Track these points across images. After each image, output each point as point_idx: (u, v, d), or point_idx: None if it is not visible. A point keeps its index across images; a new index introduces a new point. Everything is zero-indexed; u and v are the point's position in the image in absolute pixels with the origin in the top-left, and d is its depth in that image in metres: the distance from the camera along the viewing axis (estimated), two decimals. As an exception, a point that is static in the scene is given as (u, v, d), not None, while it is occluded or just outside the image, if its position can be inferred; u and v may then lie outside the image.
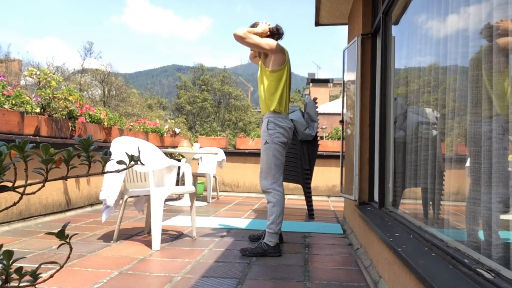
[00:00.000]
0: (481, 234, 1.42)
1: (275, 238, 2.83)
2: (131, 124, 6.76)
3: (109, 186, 3.03)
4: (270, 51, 2.90)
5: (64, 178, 0.77)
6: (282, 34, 3.10)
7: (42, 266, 0.83)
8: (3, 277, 0.73)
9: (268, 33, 3.04)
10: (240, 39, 2.88)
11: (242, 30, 2.88)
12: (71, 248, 0.81)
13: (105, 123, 5.33)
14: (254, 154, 7.18)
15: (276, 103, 2.90)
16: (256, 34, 2.95)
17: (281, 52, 2.94)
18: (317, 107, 4.62)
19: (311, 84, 27.51)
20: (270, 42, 2.91)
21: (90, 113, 5.01)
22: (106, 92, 25.73)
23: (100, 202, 4.62)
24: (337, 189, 6.79)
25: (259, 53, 3.04)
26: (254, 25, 3.08)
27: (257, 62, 3.27)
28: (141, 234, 3.39)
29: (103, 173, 0.82)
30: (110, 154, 0.79)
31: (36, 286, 0.76)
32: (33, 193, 0.78)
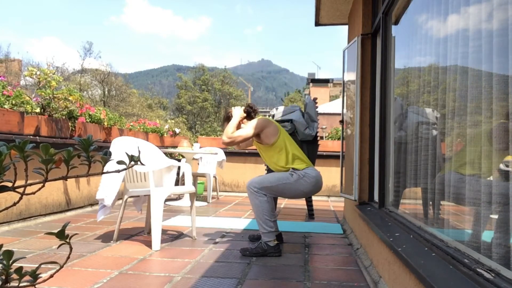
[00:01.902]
0: (481, 234, 1.42)
1: (272, 237, 2.82)
2: (131, 124, 6.76)
3: (106, 185, 3.03)
4: (260, 131, 2.95)
5: (64, 178, 0.77)
6: (257, 110, 3.20)
7: (42, 266, 0.83)
8: (3, 277, 0.73)
9: (245, 115, 3.13)
10: (231, 144, 2.98)
11: (226, 136, 2.95)
12: (71, 248, 0.81)
13: (105, 123, 5.33)
14: (254, 154, 7.18)
15: (296, 164, 2.93)
16: (236, 124, 3.04)
17: (268, 123, 2.99)
18: (317, 107, 4.62)
19: (311, 84, 27.52)
20: (254, 125, 2.95)
21: (90, 113, 5.01)
22: (106, 92, 25.74)
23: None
24: (337, 189, 6.79)
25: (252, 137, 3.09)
26: (228, 117, 3.17)
27: (246, 146, 3.35)
28: (141, 234, 3.40)
29: (103, 173, 0.82)
30: (110, 154, 0.79)
31: (36, 286, 0.76)
32: (33, 193, 0.78)
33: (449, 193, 1.70)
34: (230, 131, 2.97)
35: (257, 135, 2.98)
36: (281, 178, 2.88)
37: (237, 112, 3.11)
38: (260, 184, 2.85)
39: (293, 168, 2.93)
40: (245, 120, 3.16)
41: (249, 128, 2.94)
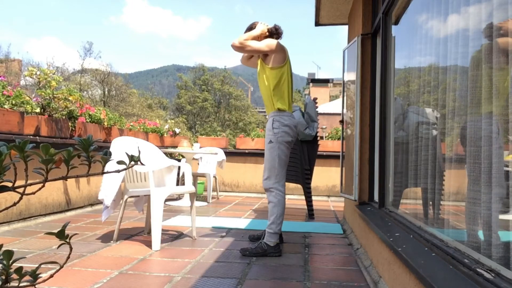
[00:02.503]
0: (481, 234, 1.42)
1: (275, 238, 2.83)
2: (131, 124, 6.76)
3: (107, 186, 3.03)
4: (271, 52, 2.90)
5: (64, 178, 0.77)
6: (281, 33, 3.09)
7: (42, 266, 0.83)
8: (3, 277, 0.73)
9: (267, 33, 3.03)
10: (239, 49, 2.89)
11: (238, 40, 2.87)
12: (71, 248, 0.81)
13: (105, 123, 5.33)
14: (254, 154, 7.18)
15: (279, 101, 2.89)
16: (255, 37, 2.94)
17: (282, 50, 2.94)
18: (317, 107, 4.62)
19: (311, 84, 27.53)
20: (269, 43, 2.90)
21: (90, 113, 5.01)
22: (106, 92, 25.74)
23: (100, 202, 4.62)
24: (337, 189, 6.79)
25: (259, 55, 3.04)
26: (252, 26, 3.07)
27: (250, 64, 3.29)
28: (141, 234, 3.39)
29: (103, 173, 0.82)
30: (110, 154, 0.79)
31: (36, 286, 0.76)
32: (33, 193, 0.78)
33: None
34: (244, 38, 2.89)
35: (265, 54, 2.93)
36: (271, 153, 2.87)
37: (261, 27, 3.02)
38: (272, 176, 2.86)
39: (277, 109, 2.89)
40: (265, 39, 3.04)
41: (262, 43, 2.89)
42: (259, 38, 2.99)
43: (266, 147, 2.93)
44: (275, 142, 2.87)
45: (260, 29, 3.01)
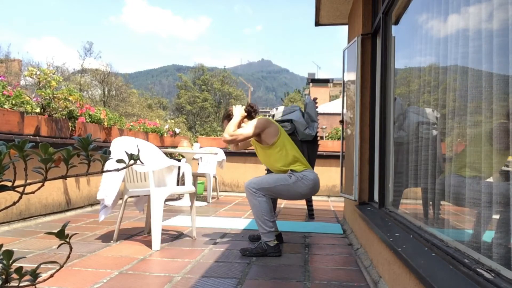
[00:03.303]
0: (481, 234, 1.42)
1: (271, 237, 2.82)
2: (131, 124, 6.76)
3: (107, 185, 3.03)
4: (261, 131, 2.95)
5: (64, 177, 0.77)
6: (257, 110, 3.18)
7: (42, 266, 0.83)
8: (3, 277, 0.73)
9: (245, 114, 3.12)
10: (231, 142, 2.95)
11: (228, 133, 2.93)
12: (71, 248, 0.81)
13: (105, 123, 5.33)
14: (254, 154, 7.15)
15: (295, 166, 2.94)
16: (238, 123, 3.03)
17: (269, 124, 2.98)
18: (317, 107, 4.62)
19: (311, 84, 27.52)
20: (256, 124, 2.94)
21: (90, 113, 5.01)
22: (106, 92, 25.75)
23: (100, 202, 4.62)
24: (337, 189, 6.79)
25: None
26: (229, 115, 3.15)
27: (242, 148, 3.38)
28: (141, 234, 3.39)
29: (102, 172, 0.82)
30: (109, 153, 0.79)
31: (36, 286, 0.76)
32: (33, 192, 0.78)
33: (450, 194, 1.70)
34: (232, 130, 2.96)
35: (257, 134, 2.98)
36: (279, 179, 2.88)
37: (238, 111, 3.10)
38: (259, 185, 2.85)
39: (291, 170, 2.93)
40: (245, 119, 3.16)
41: (250, 128, 2.94)
42: (241, 122, 3.10)
43: (282, 174, 2.93)
44: (291, 181, 2.87)
45: (238, 114, 3.08)
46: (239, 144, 3.26)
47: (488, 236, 1.35)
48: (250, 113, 3.14)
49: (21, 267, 0.74)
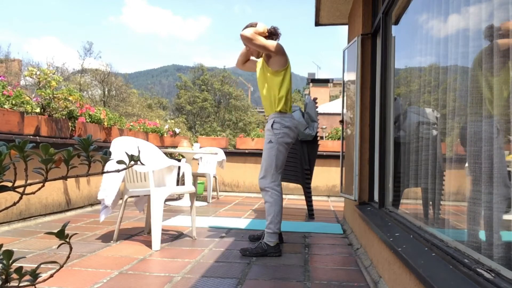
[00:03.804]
0: (481, 234, 1.42)
1: (275, 238, 2.83)
2: (131, 124, 6.76)
3: (107, 185, 3.03)
4: (275, 53, 2.90)
5: (64, 178, 0.77)
6: (280, 34, 3.09)
7: (42, 266, 0.83)
8: (3, 277, 0.73)
9: (267, 34, 3.03)
10: (247, 40, 2.87)
11: (249, 31, 2.86)
12: (71, 248, 0.81)
13: (105, 123, 5.33)
14: (254, 154, 7.17)
15: (281, 104, 2.91)
16: (260, 33, 2.94)
17: (284, 53, 2.95)
18: (317, 107, 4.62)
19: (311, 84, 27.52)
20: (274, 43, 2.91)
21: (90, 113, 5.01)
22: (106, 92, 25.75)
23: (100, 202, 4.62)
24: (337, 189, 6.79)
25: (259, 54, 3.03)
26: (253, 24, 3.06)
27: (245, 68, 3.31)
28: (141, 234, 3.39)
29: (102, 173, 0.82)
30: (110, 154, 0.79)
31: (36, 286, 0.76)
32: (33, 193, 0.78)
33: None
34: (254, 30, 2.87)
35: (268, 56, 2.94)
36: (269, 153, 2.88)
37: (263, 25, 3.01)
38: (268, 175, 2.87)
39: (278, 111, 2.90)
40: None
41: (270, 42, 2.90)
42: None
43: (264, 146, 2.94)
44: (274, 143, 2.88)
45: (262, 26, 3.00)
46: (242, 64, 3.24)
47: (488, 236, 1.35)
48: (272, 35, 3.04)
49: (21, 267, 0.74)
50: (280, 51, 2.91)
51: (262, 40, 2.88)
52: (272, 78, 2.93)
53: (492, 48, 1.33)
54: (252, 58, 3.24)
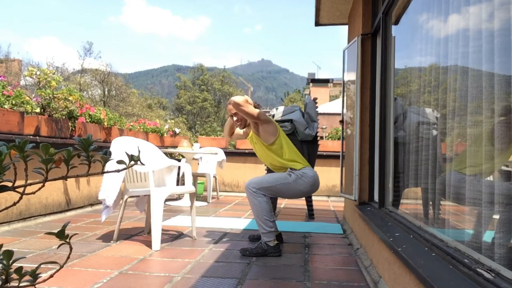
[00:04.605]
0: (481, 234, 1.42)
1: (271, 237, 2.82)
2: (131, 124, 6.76)
3: (108, 186, 3.03)
4: (262, 121, 2.94)
5: (64, 178, 0.77)
6: (260, 107, 3.16)
7: (42, 266, 0.83)
8: (3, 277, 0.73)
9: (254, 105, 3.10)
10: (237, 106, 2.87)
11: (242, 98, 2.90)
12: (71, 248, 0.81)
13: (105, 123, 5.33)
14: (254, 154, 7.13)
15: (296, 163, 2.97)
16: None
17: (270, 120, 3.00)
18: (317, 107, 4.62)
19: (311, 84, 27.52)
20: (261, 112, 2.95)
21: (90, 113, 5.01)
22: (106, 92, 25.75)
23: (100, 202, 4.62)
24: (337, 189, 6.79)
25: (244, 125, 3.10)
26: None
27: (234, 138, 3.41)
28: (141, 234, 3.39)
29: (103, 173, 0.82)
30: (110, 154, 0.79)
31: (36, 286, 0.76)
32: (33, 193, 0.78)
33: (450, 193, 1.70)
34: (244, 99, 2.90)
35: (256, 128, 2.97)
36: (279, 178, 2.90)
37: (248, 98, 3.07)
38: (259, 185, 2.86)
39: (291, 168, 2.95)
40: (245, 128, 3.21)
41: (258, 111, 2.93)
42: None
43: (282, 173, 2.96)
44: (292, 180, 2.90)
45: (249, 99, 3.03)
46: (230, 135, 3.35)
47: (488, 236, 1.35)
48: (254, 106, 3.10)
49: (21, 267, 0.74)
50: (266, 118, 2.97)
51: (251, 109, 2.91)
52: (271, 149, 3.00)
53: (493, 47, 1.33)
54: (237, 129, 3.34)
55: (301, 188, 2.92)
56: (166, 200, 5.04)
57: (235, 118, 3.09)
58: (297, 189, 2.92)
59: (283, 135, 3.08)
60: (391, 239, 1.99)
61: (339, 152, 4.90)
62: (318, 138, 4.70)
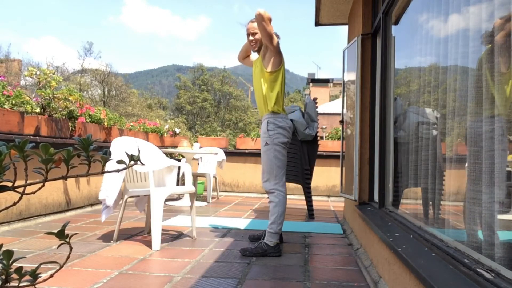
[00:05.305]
0: (481, 234, 1.42)
1: (276, 238, 2.83)
2: (131, 124, 6.76)
3: (108, 186, 3.03)
4: (274, 48, 2.89)
5: (64, 178, 0.77)
6: (279, 38, 3.10)
7: (42, 266, 0.83)
8: (3, 277, 0.73)
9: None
10: (261, 19, 2.76)
11: (266, 13, 2.79)
12: (71, 248, 0.81)
13: (105, 123, 5.33)
14: (254, 154, 7.17)
15: (274, 104, 2.91)
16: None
17: (281, 53, 2.96)
18: (317, 107, 4.62)
19: (311, 84, 27.52)
20: (276, 40, 2.91)
21: (90, 113, 5.01)
22: (106, 92, 25.76)
23: (100, 202, 4.62)
24: (337, 189, 6.79)
25: (259, 47, 3.03)
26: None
27: (245, 62, 3.35)
28: (141, 234, 3.39)
29: (102, 172, 0.82)
30: (110, 153, 0.79)
31: (36, 286, 0.76)
32: (33, 193, 0.78)
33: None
34: (269, 16, 2.81)
35: (264, 52, 2.94)
36: (268, 156, 2.89)
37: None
38: (271, 177, 2.87)
39: (271, 112, 2.92)
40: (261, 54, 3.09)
41: (275, 37, 2.88)
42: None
43: (262, 149, 2.95)
44: (271, 144, 2.88)
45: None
46: (243, 58, 3.31)
47: (488, 236, 1.35)
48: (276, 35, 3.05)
49: (21, 267, 0.74)
50: (279, 49, 2.93)
51: (271, 28, 2.83)
52: (266, 77, 2.95)
53: (493, 48, 1.33)
54: (251, 54, 3.28)
55: (282, 140, 2.90)
56: (166, 200, 5.04)
57: (251, 38, 3.03)
58: (282, 143, 2.90)
59: (283, 77, 3.01)
60: (391, 239, 1.99)
61: (339, 152, 4.90)
62: (318, 138, 4.70)
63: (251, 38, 3.04)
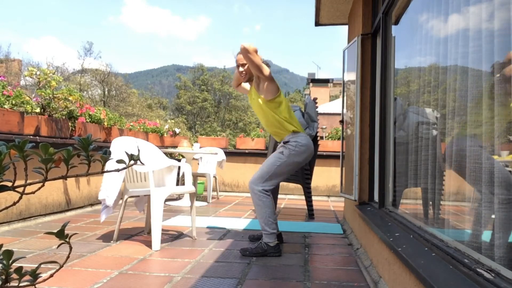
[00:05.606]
0: (481, 234, 1.42)
1: (273, 238, 2.83)
2: (131, 124, 6.76)
3: (108, 185, 3.03)
4: (266, 77, 2.90)
5: (64, 177, 0.77)
6: (269, 66, 3.10)
7: (42, 266, 0.83)
8: (3, 277, 0.73)
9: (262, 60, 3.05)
10: (246, 52, 2.78)
11: (251, 46, 2.80)
12: (70, 248, 0.81)
13: (105, 123, 5.33)
14: (254, 154, 7.17)
15: (290, 123, 2.93)
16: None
17: (274, 80, 2.96)
18: (317, 107, 4.62)
19: (311, 84, 27.52)
20: (267, 68, 2.91)
21: (90, 113, 5.01)
22: (106, 92, 25.77)
23: (100, 202, 4.62)
24: (337, 189, 6.79)
25: (249, 78, 3.02)
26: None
27: (240, 90, 3.32)
28: (141, 234, 3.39)
29: (102, 172, 0.82)
30: (109, 153, 0.79)
31: (36, 286, 0.76)
32: (33, 192, 0.78)
33: (454, 162, 1.70)
34: (254, 47, 2.81)
35: (257, 82, 2.94)
36: (274, 161, 2.88)
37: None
38: (261, 179, 2.86)
39: (285, 129, 2.92)
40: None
41: (264, 66, 2.88)
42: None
43: (273, 154, 2.93)
44: (285, 156, 2.87)
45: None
46: (237, 86, 3.27)
47: (488, 236, 1.35)
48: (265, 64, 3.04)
49: (21, 267, 0.74)
50: (270, 76, 2.91)
51: (258, 60, 2.84)
52: (267, 105, 2.94)
53: (492, 47, 1.33)
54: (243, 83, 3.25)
55: (297, 160, 2.90)
56: (166, 200, 5.04)
57: (241, 69, 3.00)
58: (294, 162, 2.90)
59: (284, 98, 3.01)
60: (391, 239, 1.99)
61: (339, 152, 4.91)
62: (318, 138, 4.70)
63: (241, 69, 3.02)
